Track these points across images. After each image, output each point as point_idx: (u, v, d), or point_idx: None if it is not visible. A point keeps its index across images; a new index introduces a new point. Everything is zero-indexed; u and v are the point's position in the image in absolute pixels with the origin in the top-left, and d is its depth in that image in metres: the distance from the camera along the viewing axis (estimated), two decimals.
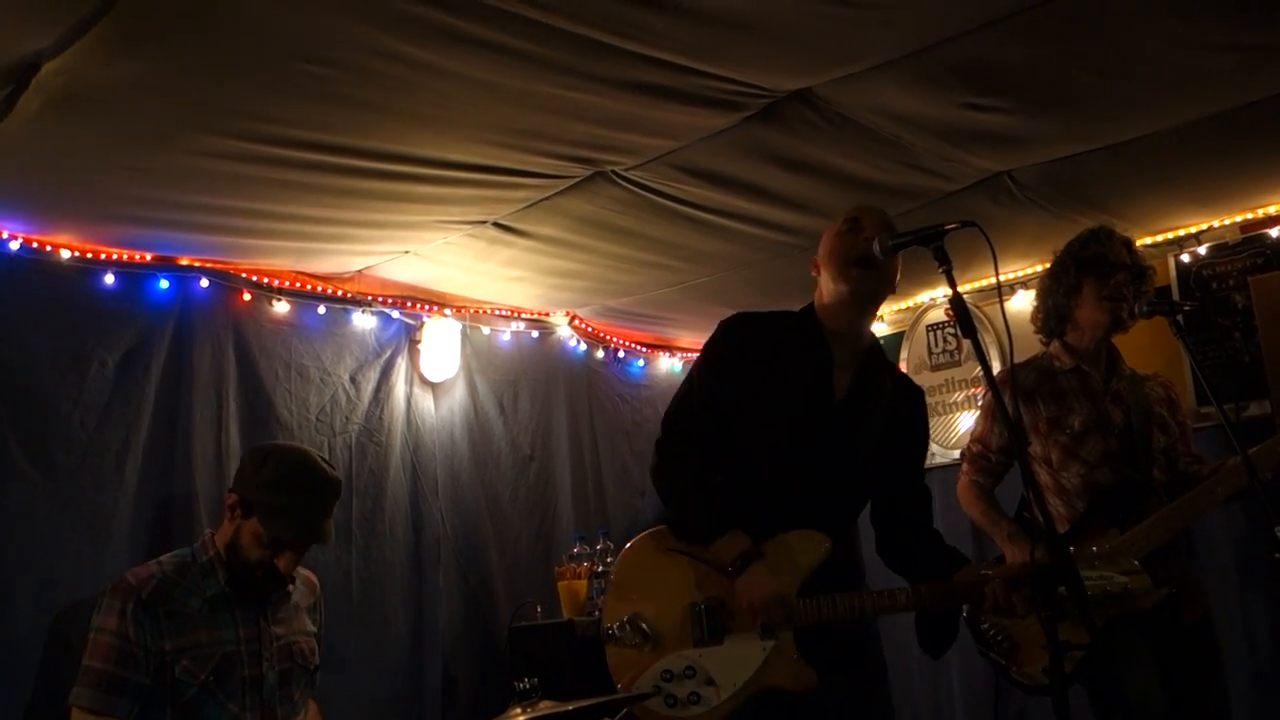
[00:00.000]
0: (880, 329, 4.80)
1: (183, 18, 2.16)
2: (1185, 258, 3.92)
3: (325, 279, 3.90)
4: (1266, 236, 3.75)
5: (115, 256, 3.35)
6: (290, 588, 2.63)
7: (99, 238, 3.29)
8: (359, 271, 3.90)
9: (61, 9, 2.09)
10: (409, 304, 4.14)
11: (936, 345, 4.60)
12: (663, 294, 4.24)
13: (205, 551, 2.54)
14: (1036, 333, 3.08)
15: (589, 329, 4.78)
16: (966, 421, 4.44)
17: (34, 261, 3.18)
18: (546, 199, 3.24)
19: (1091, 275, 2.89)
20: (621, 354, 4.95)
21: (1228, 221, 3.83)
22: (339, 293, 3.95)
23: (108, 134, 2.60)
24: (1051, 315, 3.00)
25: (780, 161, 3.05)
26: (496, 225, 3.44)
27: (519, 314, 4.52)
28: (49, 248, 3.22)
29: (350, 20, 2.21)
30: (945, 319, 4.56)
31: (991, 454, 3.03)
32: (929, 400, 4.56)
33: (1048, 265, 4.12)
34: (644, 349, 5.03)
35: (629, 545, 2.39)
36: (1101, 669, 2.67)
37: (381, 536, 3.87)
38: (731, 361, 2.34)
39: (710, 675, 2.17)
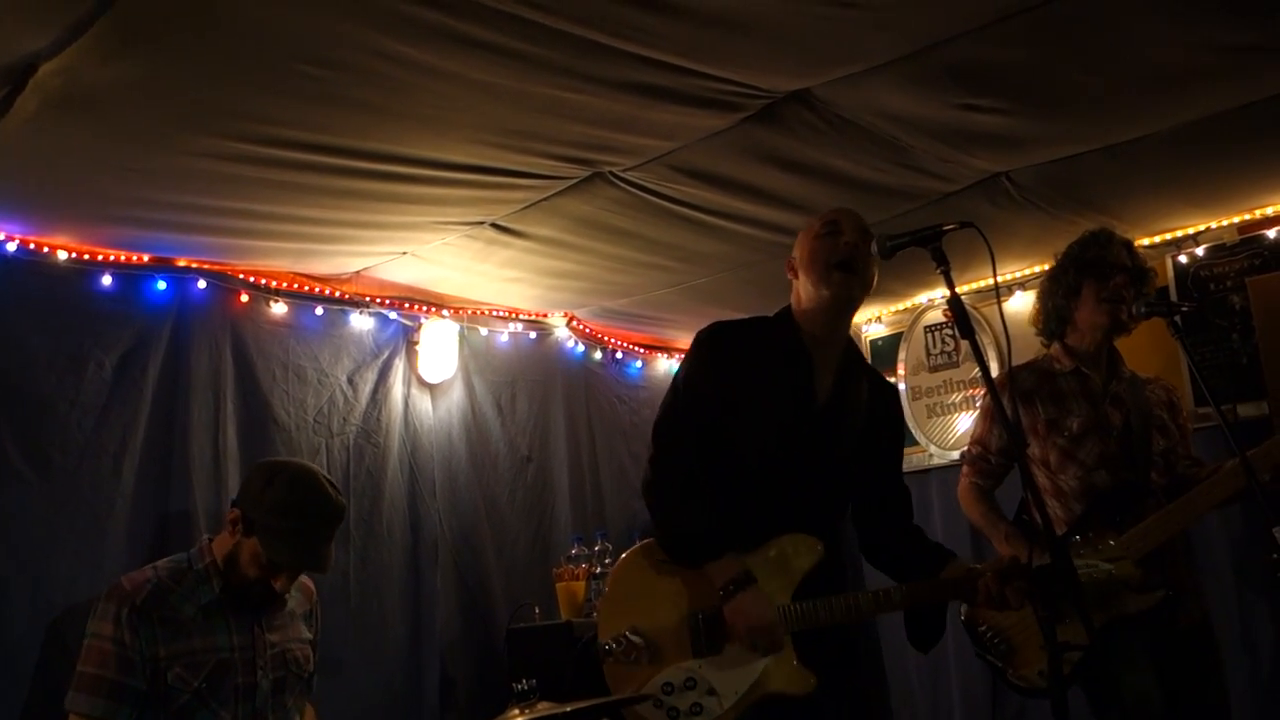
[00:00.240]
0: (878, 330, 4.81)
1: (180, 18, 2.16)
2: (1183, 259, 3.92)
3: (323, 280, 3.90)
4: (1264, 237, 3.75)
5: (112, 258, 3.34)
6: (286, 594, 2.63)
7: (96, 239, 3.28)
8: (357, 272, 3.89)
9: (59, 10, 2.09)
10: (407, 305, 4.13)
11: (934, 346, 4.60)
12: (661, 295, 4.24)
13: (202, 558, 2.53)
14: (1037, 335, 3.08)
15: (587, 330, 4.77)
16: (964, 422, 4.44)
17: (31, 263, 3.18)
18: (544, 200, 3.24)
19: (1091, 277, 2.90)
20: (619, 355, 4.95)
21: (1225, 223, 3.83)
22: (337, 294, 3.94)
23: (105, 135, 2.60)
24: (1051, 317, 3.00)
25: (778, 162, 3.05)
26: (494, 226, 3.44)
27: (517, 315, 4.52)
28: (46, 249, 3.21)
29: (348, 21, 2.21)
30: (943, 320, 4.56)
31: (991, 456, 3.04)
32: (927, 402, 4.58)
33: (1045, 266, 4.14)
34: (642, 350, 5.03)
35: (622, 558, 2.38)
36: (1099, 670, 2.67)
37: (379, 538, 3.87)
38: (715, 371, 2.33)
39: (711, 685, 2.16)
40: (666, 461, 2.31)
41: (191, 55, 2.30)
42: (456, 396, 4.28)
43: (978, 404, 4.39)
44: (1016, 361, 2.77)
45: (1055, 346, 3.01)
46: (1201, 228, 3.88)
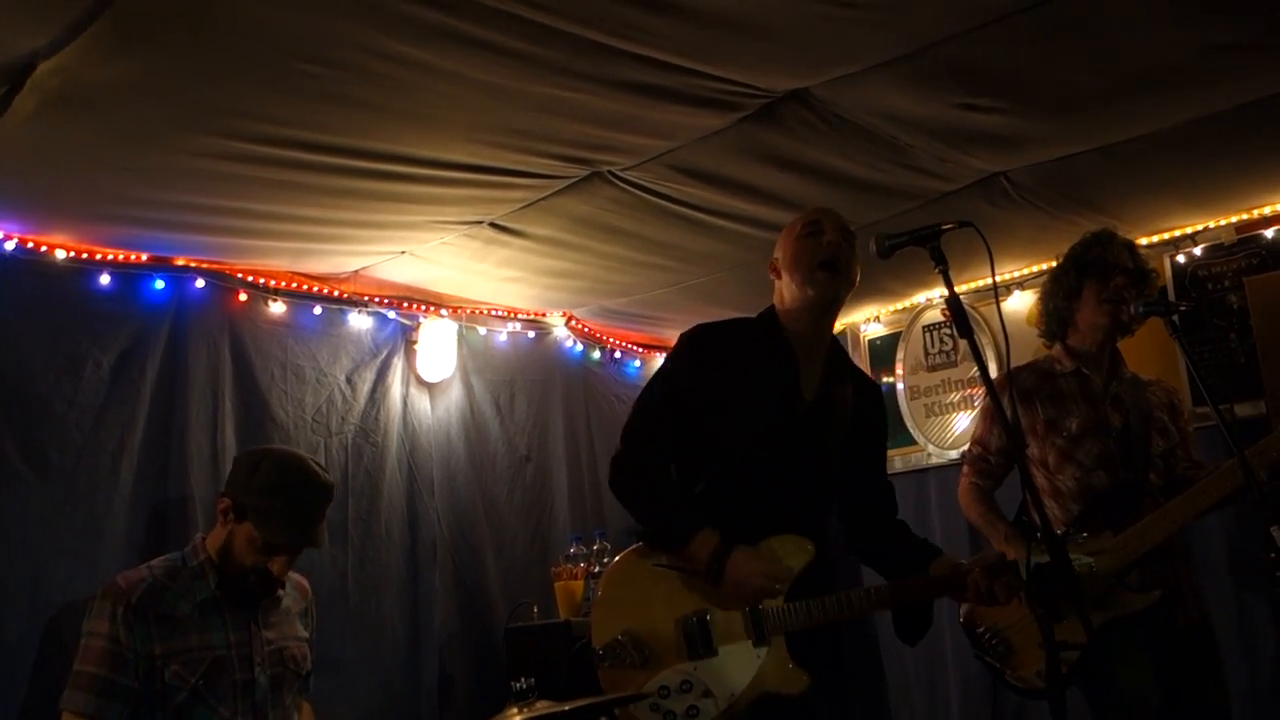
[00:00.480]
0: (877, 329, 4.81)
1: (178, 17, 2.16)
2: (1181, 258, 3.92)
3: (321, 279, 3.90)
4: (1262, 237, 3.75)
5: (110, 257, 3.34)
6: (281, 592, 2.63)
7: (94, 238, 3.28)
8: (355, 272, 3.89)
9: (57, 8, 2.09)
10: (405, 304, 4.13)
11: (933, 346, 4.60)
12: (659, 294, 4.24)
13: (196, 555, 2.53)
14: (1039, 335, 3.09)
15: (585, 329, 4.77)
16: (963, 422, 4.44)
17: (29, 262, 3.18)
18: (543, 199, 3.24)
19: (1092, 278, 2.90)
20: (618, 354, 4.95)
21: (1223, 222, 3.83)
22: (335, 293, 3.94)
23: (103, 134, 2.60)
24: (1053, 318, 3.01)
25: (777, 162, 3.05)
26: (493, 225, 3.44)
27: (515, 314, 4.52)
28: (44, 248, 3.21)
29: (347, 20, 2.21)
30: (942, 319, 4.56)
31: (991, 456, 3.04)
32: (926, 401, 4.58)
33: (1044, 266, 4.15)
34: (640, 349, 5.03)
35: (613, 562, 2.37)
36: (1097, 670, 2.67)
37: (378, 537, 3.86)
38: (695, 372, 2.34)
39: (707, 687, 2.15)
40: (629, 456, 2.34)
41: (190, 54, 2.30)
42: (455, 396, 4.27)
43: (976, 403, 4.39)
44: (1014, 361, 2.77)
45: (1057, 347, 3.01)
46: (1199, 227, 3.88)
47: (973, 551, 4.04)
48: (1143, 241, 3.89)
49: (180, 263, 3.50)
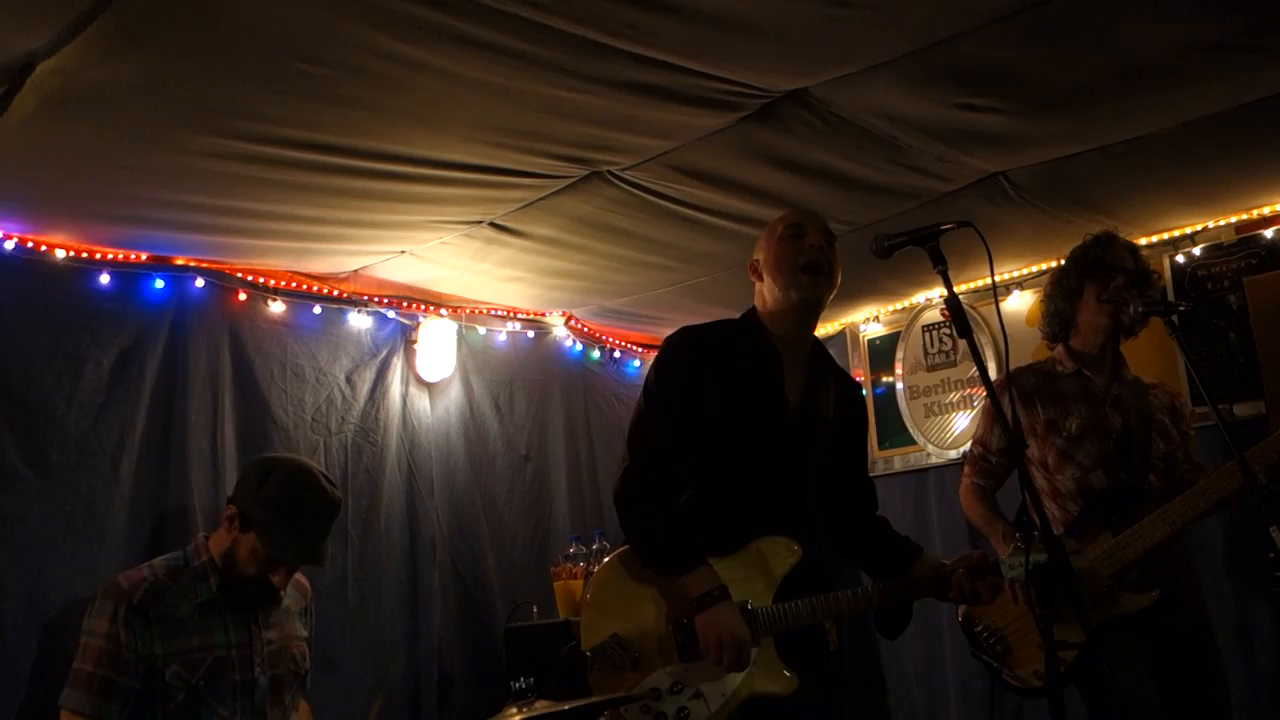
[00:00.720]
0: (876, 329, 4.81)
1: (178, 17, 2.16)
2: (1180, 258, 3.92)
3: (321, 279, 3.90)
4: (1261, 237, 3.75)
5: (110, 256, 3.34)
6: (281, 592, 2.63)
7: (94, 237, 3.28)
8: (355, 271, 3.89)
9: (56, 9, 2.09)
10: (405, 304, 4.13)
11: (932, 345, 4.60)
12: (659, 294, 4.24)
13: (198, 556, 2.53)
14: (1042, 337, 3.09)
15: (585, 329, 4.77)
16: (962, 422, 4.44)
17: (29, 261, 3.18)
18: (543, 199, 3.24)
19: (1092, 279, 2.91)
20: (617, 354, 4.95)
21: (1223, 222, 3.83)
22: (335, 293, 3.94)
23: (103, 134, 2.60)
24: (1054, 319, 3.01)
25: (776, 162, 3.05)
26: (493, 225, 3.44)
27: (515, 314, 4.52)
28: (44, 247, 3.21)
29: (346, 20, 2.21)
30: (941, 319, 4.56)
31: (992, 456, 3.05)
32: (925, 401, 4.59)
33: (1043, 266, 4.15)
34: (640, 349, 5.03)
35: (601, 565, 2.37)
36: (1095, 669, 2.67)
37: (377, 537, 3.87)
38: (687, 377, 2.33)
39: (698, 689, 2.16)
40: (642, 471, 2.29)
41: (190, 54, 2.30)
42: (455, 395, 4.28)
43: (975, 403, 4.40)
44: (1013, 360, 2.77)
45: (1059, 349, 3.01)
46: (1199, 227, 3.88)
47: (972, 549, 4.04)
48: (1142, 241, 3.89)
49: (180, 262, 3.51)
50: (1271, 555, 2.46)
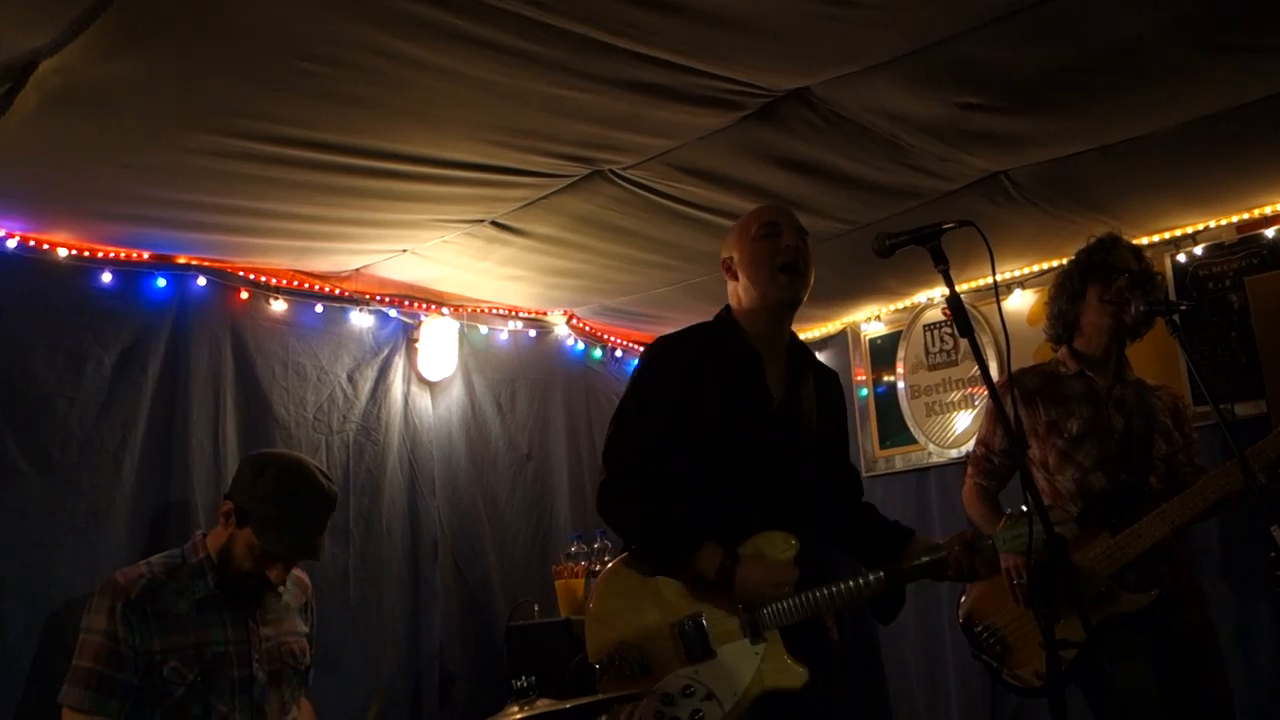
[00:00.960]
0: (877, 328, 4.81)
1: (180, 16, 2.16)
2: (1182, 258, 3.92)
3: (323, 278, 3.90)
4: (1262, 237, 3.75)
5: (112, 255, 3.35)
6: (281, 589, 2.63)
7: (96, 236, 3.28)
8: (357, 270, 3.89)
9: (59, 7, 2.09)
10: (406, 303, 4.13)
11: (933, 345, 4.61)
12: (660, 293, 4.24)
13: (195, 553, 2.54)
14: (1047, 339, 3.10)
15: (586, 328, 4.78)
16: (963, 421, 4.44)
17: (31, 260, 3.18)
18: (544, 198, 3.24)
19: (1095, 281, 2.92)
20: (619, 353, 4.95)
21: (1224, 222, 3.84)
22: (337, 291, 3.94)
23: (105, 132, 2.60)
24: (1058, 321, 3.02)
25: (778, 161, 3.05)
26: (494, 224, 3.44)
27: (516, 313, 4.52)
28: (46, 246, 3.21)
29: (349, 19, 2.21)
30: (942, 318, 4.56)
31: (994, 456, 3.06)
32: (926, 400, 4.59)
33: (1044, 265, 4.15)
34: (642, 348, 5.02)
35: (600, 575, 2.37)
36: (1095, 667, 2.67)
37: (379, 535, 3.87)
38: (666, 385, 2.35)
39: (710, 689, 2.15)
40: (621, 479, 2.31)
41: (192, 53, 2.30)
42: (456, 394, 4.28)
43: (977, 403, 4.40)
44: (1014, 359, 2.78)
45: (1062, 350, 3.02)
46: (1200, 227, 3.88)
47: None
48: (1143, 241, 3.89)
49: (182, 261, 3.51)
50: (1272, 554, 2.47)
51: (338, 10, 2.18)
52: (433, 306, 4.21)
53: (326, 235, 3.44)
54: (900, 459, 4.61)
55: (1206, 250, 3.88)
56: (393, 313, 4.11)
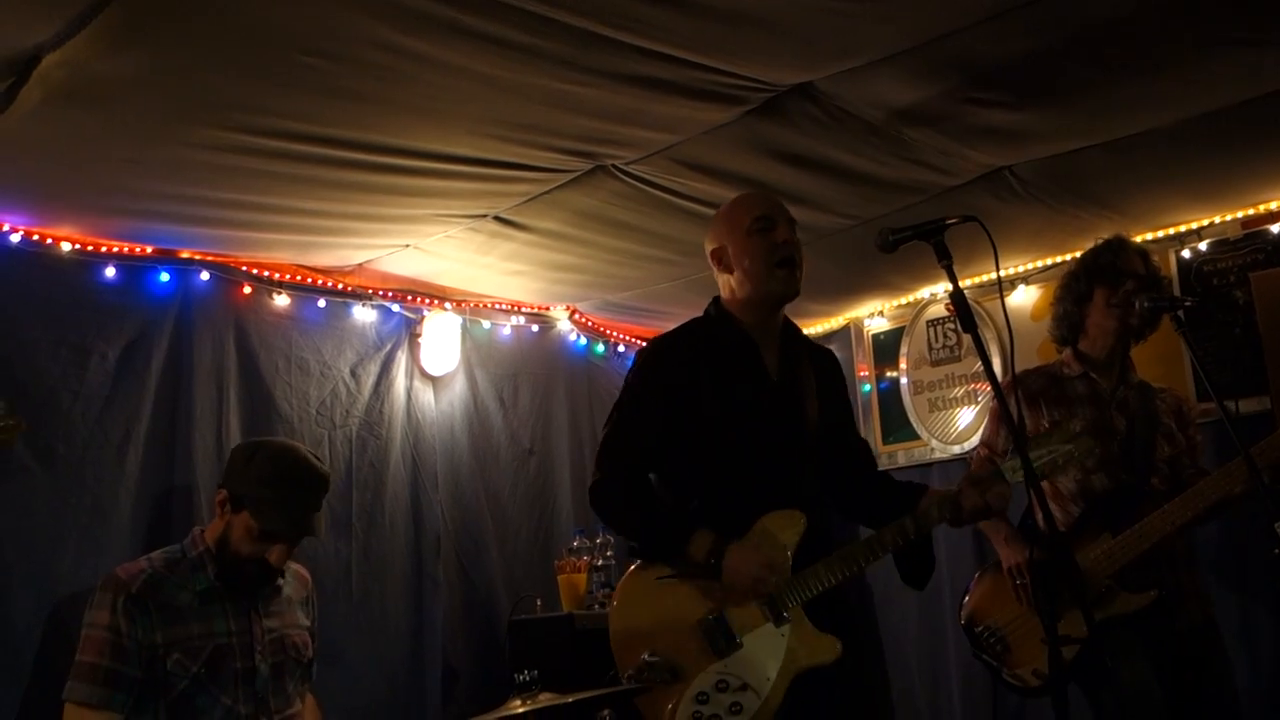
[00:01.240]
0: (880, 324, 4.81)
1: (183, 10, 2.16)
2: (1186, 253, 3.92)
3: (325, 272, 3.90)
4: (1267, 232, 3.74)
5: (116, 249, 3.35)
6: (281, 581, 2.64)
7: (99, 230, 3.28)
8: (359, 265, 3.89)
9: (62, 1, 2.09)
10: (409, 298, 4.14)
11: (937, 340, 4.60)
12: (663, 288, 4.24)
13: (195, 547, 2.55)
14: (1052, 340, 3.09)
15: (589, 323, 4.78)
16: (966, 417, 4.44)
17: (34, 254, 3.18)
18: (547, 193, 3.24)
19: (1102, 283, 2.91)
20: (622, 348, 4.95)
21: (1229, 217, 3.83)
22: (339, 286, 3.94)
23: (108, 126, 2.60)
24: (1063, 323, 3.02)
25: (781, 156, 3.05)
26: (497, 219, 3.44)
27: (519, 308, 4.52)
28: (49, 240, 3.21)
29: (351, 13, 2.21)
30: (945, 314, 4.56)
31: (997, 457, 3.04)
32: (929, 396, 4.59)
33: (1049, 261, 4.14)
34: (644, 344, 5.02)
35: (616, 589, 2.39)
36: (1096, 667, 2.68)
37: (381, 530, 3.87)
38: (664, 385, 2.37)
39: (744, 680, 2.16)
40: (608, 479, 2.36)
41: (195, 47, 2.30)
42: (459, 389, 4.28)
43: (980, 399, 4.40)
44: (1017, 354, 2.78)
45: (1067, 352, 3.01)
46: (1205, 222, 3.87)
47: (976, 551, 4.05)
48: (1148, 236, 3.89)
49: (185, 255, 3.51)
50: (1276, 552, 2.46)
51: (340, 5, 2.18)
52: (435, 301, 4.21)
53: (329, 230, 3.44)
54: (903, 455, 4.61)
55: (1211, 246, 3.87)
56: (395, 307, 4.11)
